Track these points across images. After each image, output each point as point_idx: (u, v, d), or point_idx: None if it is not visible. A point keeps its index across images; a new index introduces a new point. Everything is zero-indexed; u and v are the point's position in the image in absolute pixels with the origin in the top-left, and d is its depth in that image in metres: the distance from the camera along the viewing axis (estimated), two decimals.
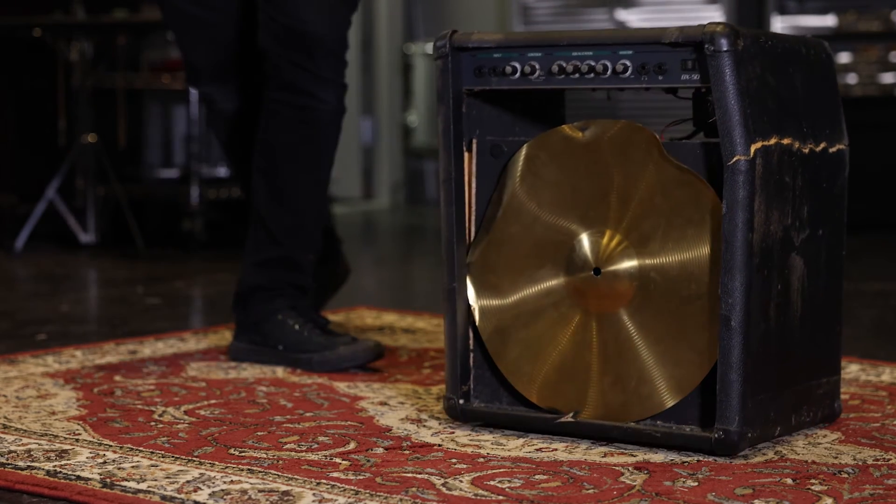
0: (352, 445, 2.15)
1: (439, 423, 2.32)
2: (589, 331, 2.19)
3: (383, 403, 2.48)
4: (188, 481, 1.93)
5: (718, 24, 2.05)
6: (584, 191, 2.20)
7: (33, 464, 2.03)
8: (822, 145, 2.21)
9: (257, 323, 2.90)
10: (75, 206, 5.83)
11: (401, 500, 1.84)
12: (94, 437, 2.20)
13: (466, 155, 2.30)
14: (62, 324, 3.56)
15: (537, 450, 2.13)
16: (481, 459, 2.07)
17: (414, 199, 8.91)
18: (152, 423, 2.31)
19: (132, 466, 2.02)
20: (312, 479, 1.94)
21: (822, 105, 2.23)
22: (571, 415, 2.19)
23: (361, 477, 1.96)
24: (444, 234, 2.29)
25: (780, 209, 2.10)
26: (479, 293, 2.29)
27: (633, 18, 7.27)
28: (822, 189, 2.21)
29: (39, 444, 2.15)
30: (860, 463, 2.05)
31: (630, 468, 2.02)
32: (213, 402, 2.50)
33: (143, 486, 1.91)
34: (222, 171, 6.12)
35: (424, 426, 2.30)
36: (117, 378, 2.71)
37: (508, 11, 7.94)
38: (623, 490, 1.90)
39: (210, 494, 1.87)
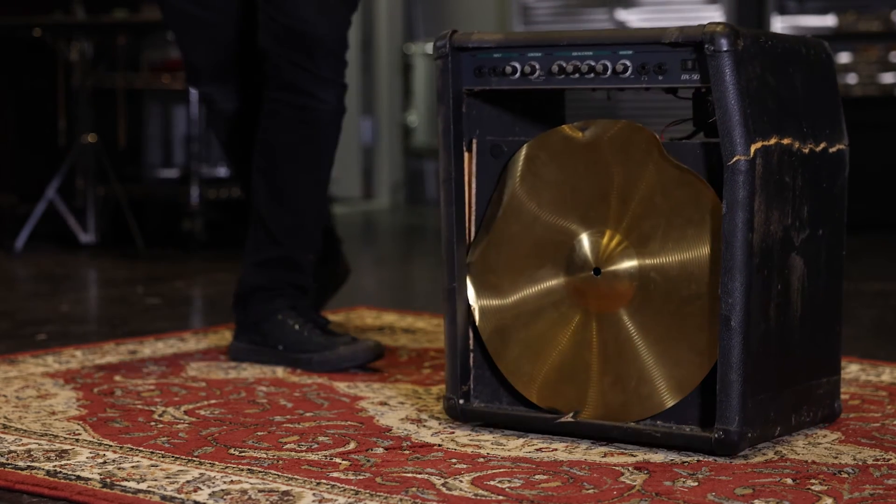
0: (352, 445, 2.15)
1: (439, 423, 2.32)
2: (589, 331, 2.19)
3: (383, 403, 2.48)
4: (188, 481, 1.93)
5: (718, 24, 2.05)
6: (584, 191, 2.20)
7: (33, 464, 2.03)
8: (822, 145, 2.21)
9: (257, 323, 2.90)
10: (75, 206, 5.82)
11: (401, 500, 1.84)
12: (94, 437, 2.20)
13: (466, 155, 2.30)
14: (62, 324, 3.56)
15: (537, 450, 2.13)
16: (481, 459, 2.07)
17: (414, 199, 8.91)
18: (152, 423, 2.31)
19: (132, 466, 2.02)
20: (312, 479, 1.94)
21: (822, 105, 2.23)
22: (571, 415, 2.19)
23: (361, 477, 1.95)
24: (444, 234, 2.29)
25: (780, 209, 2.10)
26: (479, 293, 2.28)
27: (633, 18, 7.27)
28: (822, 189, 2.21)
29: (39, 444, 2.15)
30: (860, 463, 2.05)
31: (630, 468, 2.02)
32: (213, 402, 2.50)
33: (143, 486, 1.91)
34: (222, 171, 6.12)
35: (424, 426, 2.30)
36: (117, 378, 2.71)
37: (508, 11, 7.94)
38: (623, 490, 1.90)
39: (210, 494, 1.87)
